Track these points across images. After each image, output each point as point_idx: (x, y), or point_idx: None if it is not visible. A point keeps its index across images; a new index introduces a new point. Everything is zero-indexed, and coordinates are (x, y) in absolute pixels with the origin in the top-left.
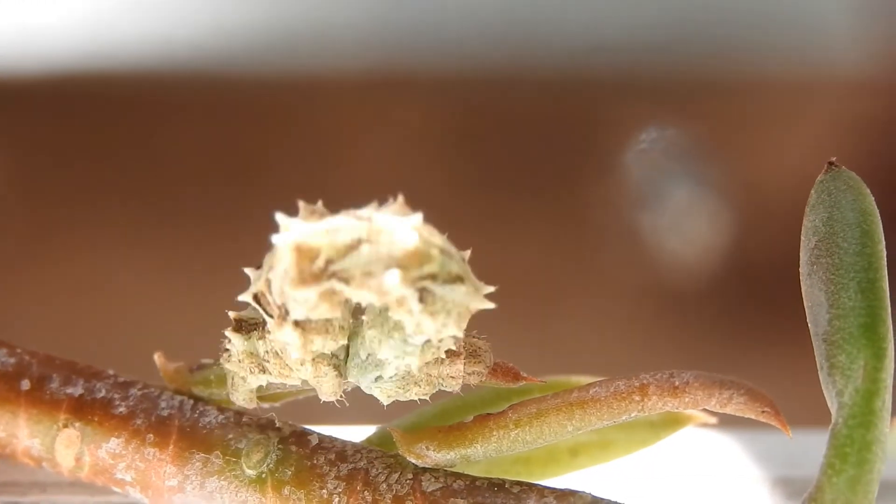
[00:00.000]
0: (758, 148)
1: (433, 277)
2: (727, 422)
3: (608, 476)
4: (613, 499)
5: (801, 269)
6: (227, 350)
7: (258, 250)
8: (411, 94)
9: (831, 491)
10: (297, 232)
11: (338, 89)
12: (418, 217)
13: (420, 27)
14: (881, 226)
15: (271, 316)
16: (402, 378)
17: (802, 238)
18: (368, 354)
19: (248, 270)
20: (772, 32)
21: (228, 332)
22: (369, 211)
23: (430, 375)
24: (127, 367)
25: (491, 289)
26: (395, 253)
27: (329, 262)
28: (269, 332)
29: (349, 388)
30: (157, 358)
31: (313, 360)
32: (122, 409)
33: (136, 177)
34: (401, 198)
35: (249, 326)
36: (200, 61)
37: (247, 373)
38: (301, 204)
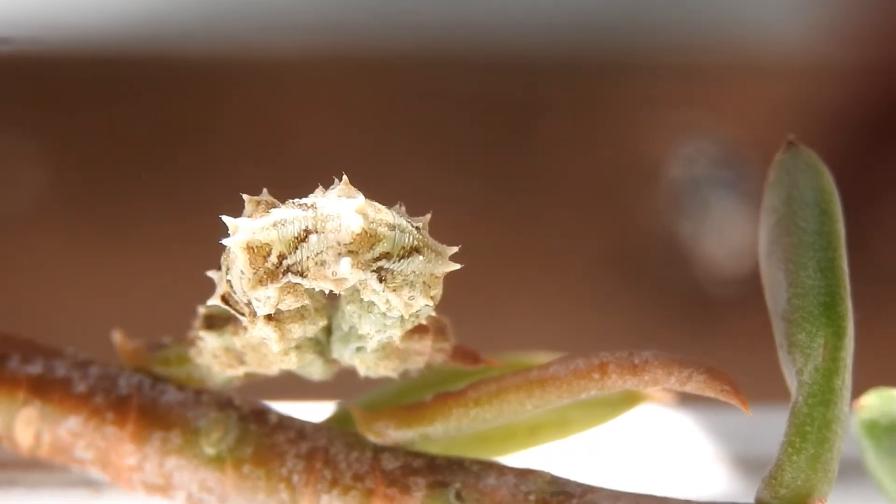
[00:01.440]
0: (705, 129)
1: (387, 256)
2: (687, 400)
3: (567, 453)
4: (572, 476)
5: (759, 248)
6: (199, 344)
7: (211, 228)
8: (360, 73)
9: (792, 469)
10: (245, 231)
11: (285, 68)
12: (360, 199)
13: (369, 5)
14: (839, 205)
15: (243, 314)
16: (383, 348)
17: (762, 217)
18: (350, 327)
19: (211, 273)
20: (717, 15)
21: (201, 332)
22: (313, 198)
23: (399, 351)
24: (86, 346)
25: (454, 249)
26: (343, 239)
27: (282, 256)
28: (245, 329)
29: (338, 368)
30: (116, 336)
31: (296, 349)
32: (81, 388)
33: (86, 155)
34: (345, 178)
35: (222, 322)
36: (149, 38)
37: (224, 367)
38: (246, 197)
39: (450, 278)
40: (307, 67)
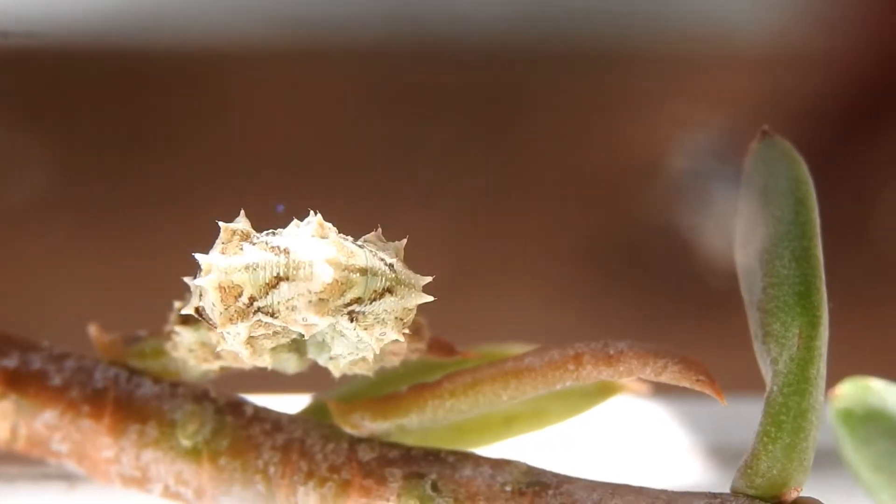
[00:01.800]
0: (667, 121)
1: (358, 301)
2: (662, 390)
3: (542, 444)
4: (548, 467)
5: (735, 238)
6: (174, 339)
7: (177, 219)
8: (342, 66)
9: (767, 459)
10: (217, 272)
11: (265, 62)
12: (332, 249)
13: None
14: (815, 194)
15: (216, 328)
16: (363, 363)
17: (737, 207)
18: (323, 339)
19: (186, 280)
20: (678, 6)
21: (177, 327)
22: (286, 239)
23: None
24: (61, 340)
25: (428, 279)
26: (314, 288)
27: (252, 298)
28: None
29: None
30: (92, 330)
31: (271, 350)
32: (57, 381)
33: (54, 147)
34: (318, 217)
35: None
36: (114, 31)
37: (199, 361)
38: (221, 225)
39: (436, 271)
40: (287, 61)
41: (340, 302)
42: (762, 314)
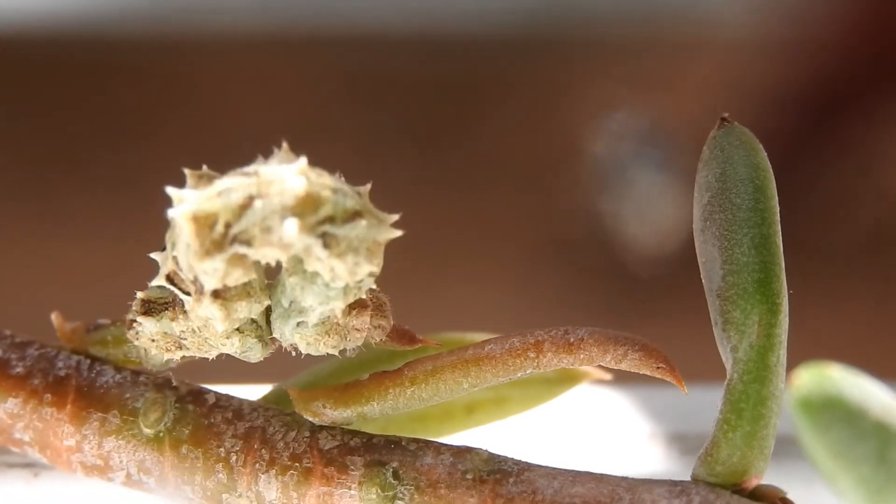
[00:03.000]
0: (646, 107)
1: (331, 220)
2: (623, 378)
3: (504, 433)
4: (510, 455)
5: (694, 225)
6: (136, 328)
7: (141, 208)
8: (297, 53)
9: (727, 446)
10: (190, 201)
11: (225, 48)
12: (303, 160)
13: None
14: (774, 181)
15: (188, 294)
16: (324, 324)
17: (695, 194)
18: (291, 302)
19: (154, 255)
20: None
21: (139, 318)
22: (256, 166)
23: (338, 327)
24: (23, 328)
25: (395, 217)
26: (287, 202)
27: (227, 225)
28: (188, 310)
29: (275, 348)
30: (55, 318)
31: (238, 332)
32: (19, 370)
33: (24, 136)
34: (285, 145)
35: (159, 307)
36: (89, 19)
37: (162, 351)
38: (187, 171)
39: (388, 258)
40: (245, 48)
41: (314, 218)
42: (722, 301)
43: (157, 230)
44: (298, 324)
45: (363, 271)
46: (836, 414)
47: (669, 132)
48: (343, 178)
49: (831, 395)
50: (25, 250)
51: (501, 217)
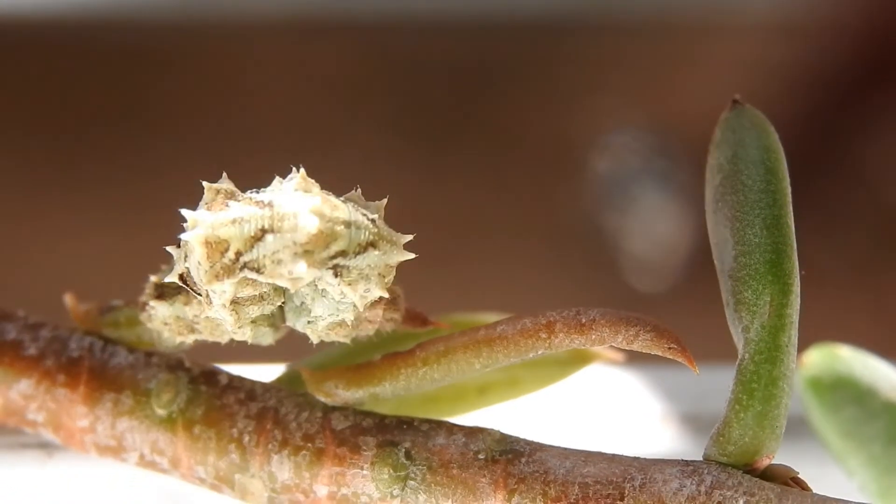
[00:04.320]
0: (667, 89)
1: (343, 254)
2: (635, 359)
3: (516, 413)
4: (521, 435)
5: (706, 207)
6: (148, 311)
7: (164, 192)
8: (316, 36)
9: (739, 426)
10: (203, 226)
11: (247, 34)
12: (317, 199)
13: None
14: (785, 163)
15: (200, 294)
16: (341, 326)
17: (707, 176)
18: (302, 303)
19: (170, 249)
20: None
21: (151, 302)
22: (270, 193)
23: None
24: (36, 309)
25: (408, 238)
26: (299, 239)
27: (238, 253)
28: (198, 301)
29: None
30: (68, 299)
31: (252, 322)
32: (32, 351)
33: (41, 117)
34: (302, 171)
35: (173, 291)
36: (117, 4)
37: (174, 335)
38: (205, 185)
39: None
40: (263, 30)
41: (325, 254)
42: (733, 282)
43: (176, 216)
44: (309, 321)
45: (374, 295)
46: (846, 394)
47: (687, 119)
48: (360, 191)
49: (841, 375)
50: (43, 233)
51: (523, 200)
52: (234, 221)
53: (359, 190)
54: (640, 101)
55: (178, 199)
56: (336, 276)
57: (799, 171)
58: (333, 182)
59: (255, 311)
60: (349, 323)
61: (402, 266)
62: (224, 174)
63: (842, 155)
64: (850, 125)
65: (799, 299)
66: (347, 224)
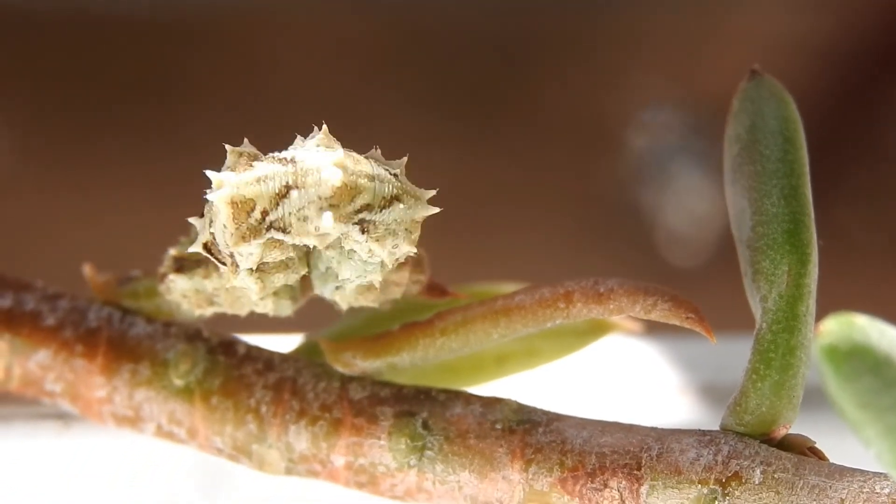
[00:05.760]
0: (702, 65)
1: (368, 207)
2: (653, 329)
3: (534, 384)
4: (539, 405)
5: (724, 177)
6: (167, 283)
7: (196, 167)
8: (345, 8)
9: (756, 396)
10: (229, 186)
11: (280, 5)
12: (339, 152)
13: None
14: (803, 133)
15: (224, 264)
16: (368, 289)
17: (725, 146)
18: (328, 268)
19: (192, 220)
20: None
21: (171, 275)
22: (293, 150)
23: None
24: (55, 280)
25: (432, 192)
26: (324, 193)
27: (265, 212)
28: (218, 273)
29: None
30: (87, 270)
31: (274, 294)
32: (50, 321)
33: (67, 90)
34: (324, 128)
35: (192, 264)
36: None
37: (193, 307)
38: (228, 148)
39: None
40: (290, 3)
41: (351, 208)
42: (751, 252)
43: (200, 189)
44: (337, 287)
45: (402, 251)
46: (863, 363)
47: (722, 96)
48: (379, 151)
49: (858, 343)
50: (59, 203)
51: (556, 172)
52: (258, 180)
53: (378, 150)
54: (676, 77)
55: (202, 173)
56: (363, 232)
57: (831, 141)
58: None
59: (279, 279)
60: (377, 285)
61: (431, 237)
62: (245, 139)
63: (878, 124)
64: (885, 95)
65: (817, 269)
66: (371, 178)
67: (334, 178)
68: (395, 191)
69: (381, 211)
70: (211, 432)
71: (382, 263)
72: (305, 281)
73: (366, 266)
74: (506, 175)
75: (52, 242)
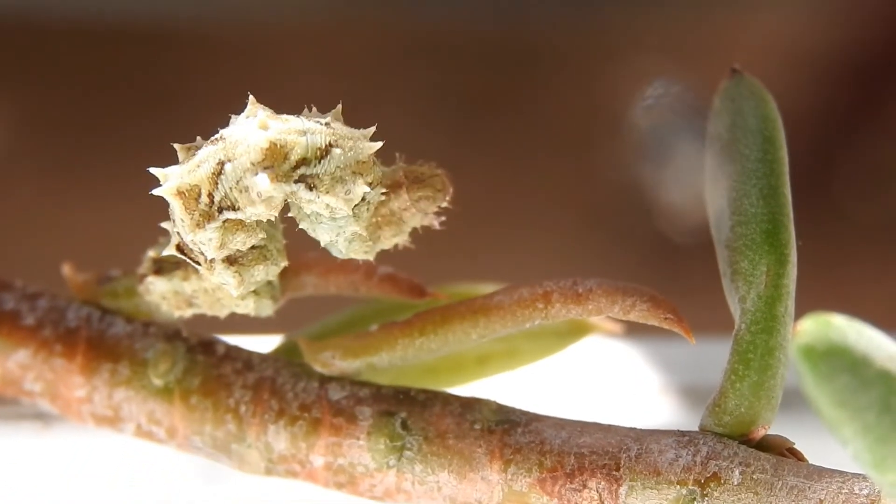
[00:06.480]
0: (696, 72)
1: (305, 162)
2: (634, 330)
3: (515, 385)
4: (519, 406)
5: (705, 176)
6: (146, 284)
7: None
8: (355, 14)
9: (735, 396)
10: (173, 177)
11: (267, 20)
12: (261, 113)
13: None
14: (783, 132)
15: (199, 263)
16: (360, 238)
17: (707, 145)
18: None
19: (164, 224)
20: None
21: (150, 277)
22: (223, 130)
23: (385, 216)
24: (35, 280)
25: (371, 130)
26: (255, 158)
27: (210, 195)
28: (197, 274)
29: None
30: (66, 269)
31: (255, 293)
32: (29, 321)
33: (63, 96)
34: (251, 98)
35: (171, 266)
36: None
37: (172, 308)
38: (177, 146)
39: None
40: (298, 11)
41: (287, 165)
42: (730, 252)
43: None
44: (337, 250)
45: (358, 193)
46: (840, 362)
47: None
48: (314, 110)
49: (835, 343)
50: (40, 205)
51: (549, 182)
52: (198, 165)
53: (313, 109)
54: (679, 58)
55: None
56: (310, 188)
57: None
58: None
59: (259, 272)
60: (363, 232)
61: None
62: (198, 137)
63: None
64: (882, 101)
65: (796, 269)
66: (301, 132)
67: (260, 140)
68: (328, 139)
69: (319, 163)
70: (190, 431)
71: (354, 213)
72: (285, 280)
73: (337, 223)
74: (503, 180)
75: (32, 243)
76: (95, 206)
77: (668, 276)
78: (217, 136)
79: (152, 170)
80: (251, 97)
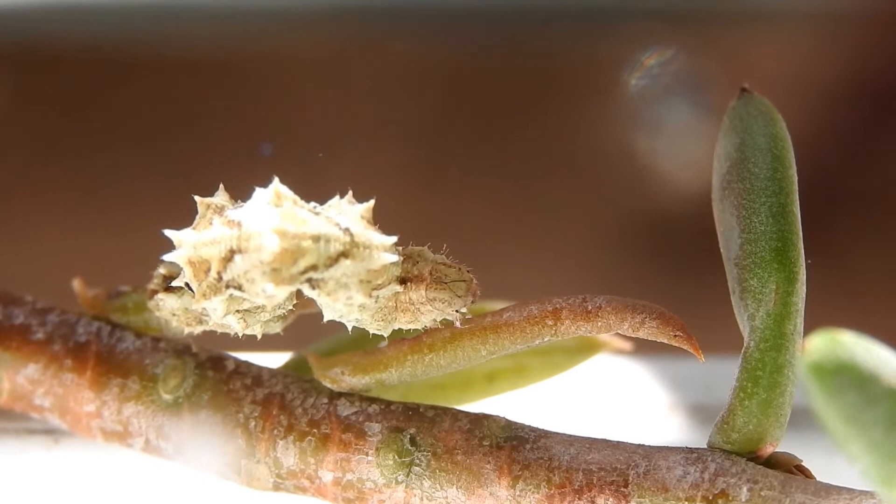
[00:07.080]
0: (711, 83)
1: (313, 268)
2: (643, 349)
3: (524, 402)
4: (528, 423)
5: (713, 195)
6: (157, 300)
7: (175, 193)
8: (358, 33)
9: (743, 414)
10: (186, 246)
11: (279, 29)
12: (276, 218)
13: None
14: (792, 151)
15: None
16: (373, 316)
17: (714, 164)
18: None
19: (170, 258)
20: None
21: (160, 294)
22: (242, 211)
23: (403, 303)
24: (45, 294)
25: (393, 239)
26: (264, 258)
27: (219, 273)
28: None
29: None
30: (76, 284)
31: (262, 323)
32: (39, 335)
33: (70, 125)
34: (274, 181)
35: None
36: (150, 21)
37: (182, 325)
38: (197, 199)
39: (449, 241)
40: (298, 31)
41: (294, 270)
42: (739, 270)
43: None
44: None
45: (358, 302)
46: (848, 379)
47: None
48: (349, 195)
49: (843, 360)
50: (52, 220)
51: (558, 200)
52: (213, 242)
53: (350, 193)
54: (688, 82)
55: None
56: (313, 288)
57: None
58: (364, 186)
59: (264, 316)
60: (370, 321)
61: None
62: (221, 186)
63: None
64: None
65: (805, 287)
66: (316, 238)
67: (273, 245)
68: (341, 248)
69: (327, 269)
70: (199, 447)
71: (361, 305)
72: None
73: (344, 308)
74: (513, 202)
75: (43, 258)
76: (107, 224)
77: (677, 294)
78: (235, 217)
79: (166, 232)
80: (276, 179)
